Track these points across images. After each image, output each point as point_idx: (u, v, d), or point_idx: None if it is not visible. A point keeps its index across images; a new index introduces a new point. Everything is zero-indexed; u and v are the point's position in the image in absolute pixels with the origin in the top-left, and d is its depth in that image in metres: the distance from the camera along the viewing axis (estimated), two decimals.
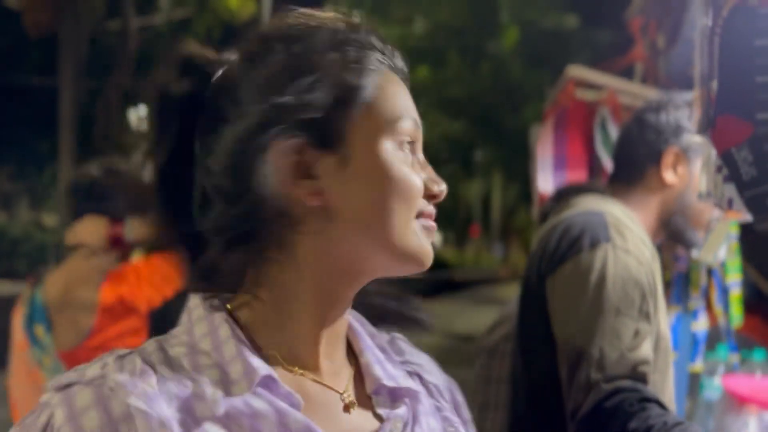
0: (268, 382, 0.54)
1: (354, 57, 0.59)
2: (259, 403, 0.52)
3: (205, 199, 0.57)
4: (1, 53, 12.46)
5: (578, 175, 2.32)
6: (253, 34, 0.61)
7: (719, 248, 2.10)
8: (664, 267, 2.09)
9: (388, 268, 0.60)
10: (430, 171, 0.63)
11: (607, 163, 2.17)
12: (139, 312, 1.55)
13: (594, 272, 1.07)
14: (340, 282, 0.59)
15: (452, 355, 8.80)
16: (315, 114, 0.56)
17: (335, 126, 0.57)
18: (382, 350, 0.66)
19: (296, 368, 0.57)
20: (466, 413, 0.73)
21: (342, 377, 0.61)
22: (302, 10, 0.62)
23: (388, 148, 0.59)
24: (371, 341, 0.65)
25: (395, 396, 0.62)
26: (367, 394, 0.62)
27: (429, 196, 0.61)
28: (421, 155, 0.63)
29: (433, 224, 0.63)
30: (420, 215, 0.61)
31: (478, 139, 22.00)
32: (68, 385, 0.51)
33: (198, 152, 0.58)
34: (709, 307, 2.21)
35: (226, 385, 0.53)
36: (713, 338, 2.35)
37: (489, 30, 15.20)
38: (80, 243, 1.58)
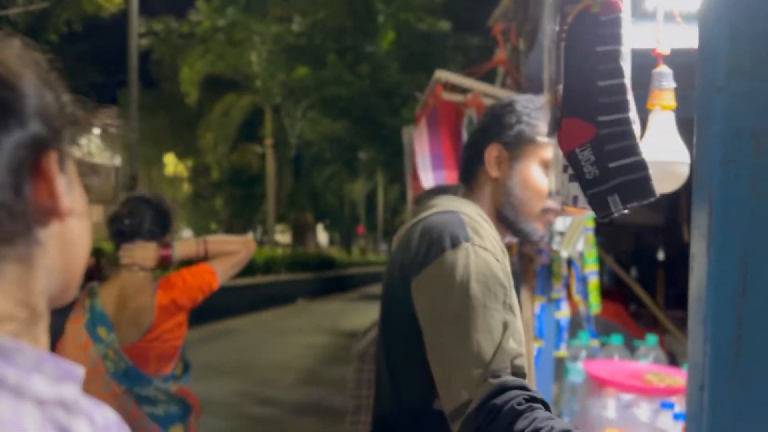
0: None
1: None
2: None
3: None
4: None
5: (454, 173, 2.38)
6: None
7: (577, 241, 2.24)
8: (529, 260, 2.21)
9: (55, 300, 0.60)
10: None
11: None
12: (185, 309, 2.02)
13: (458, 271, 1.09)
14: None
15: (341, 353, 8.84)
16: None
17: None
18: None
19: None
20: None
21: None
22: None
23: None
24: None
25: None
26: None
27: None
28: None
29: None
30: None
31: (361, 139, 22.20)
32: None
33: None
34: (569, 296, 2.36)
35: None
36: (575, 325, 2.51)
37: (366, 31, 15.32)
38: (135, 263, 1.98)
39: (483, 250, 1.13)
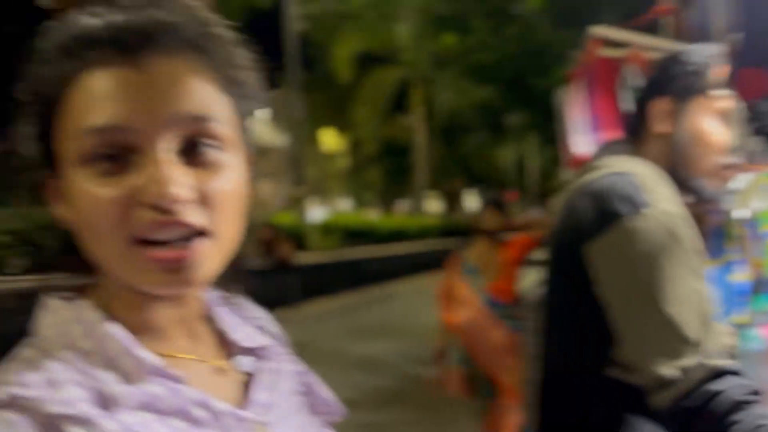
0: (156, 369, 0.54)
1: (50, 56, 0.53)
2: (156, 389, 0.53)
3: None
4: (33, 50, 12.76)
5: (612, 135, 2.31)
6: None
7: (752, 200, 2.10)
8: (699, 220, 2.10)
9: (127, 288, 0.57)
10: (154, 171, 0.49)
11: None
12: (521, 262, 2.53)
13: (645, 239, 1.01)
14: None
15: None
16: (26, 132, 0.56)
17: (47, 147, 0.54)
18: (230, 309, 0.67)
19: (158, 349, 0.57)
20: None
21: (203, 347, 0.62)
22: None
23: (73, 167, 0.51)
24: (223, 306, 0.67)
25: (254, 353, 0.65)
26: (229, 356, 0.64)
27: (152, 206, 0.49)
28: (157, 154, 0.50)
29: (159, 252, 0.50)
30: (142, 240, 0.50)
31: (509, 103, 21.69)
32: None
33: None
34: (750, 258, 2.21)
35: (123, 378, 0.52)
36: (754, 289, 2.35)
37: None
38: (485, 228, 3.31)
39: (665, 214, 1.04)
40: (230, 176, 0.53)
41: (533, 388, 1.25)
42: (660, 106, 1.23)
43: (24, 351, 0.53)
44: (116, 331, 0.54)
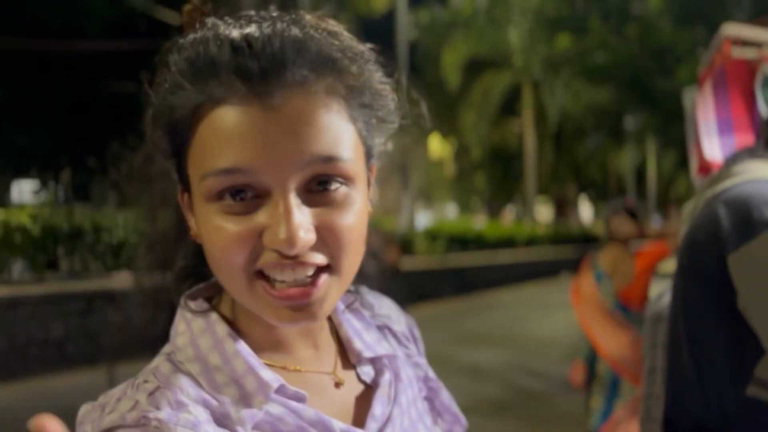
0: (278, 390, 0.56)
1: (165, 101, 0.53)
2: (276, 409, 0.55)
3: None
4: None
5: (746, 138, 2.17)
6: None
7: None
8: None
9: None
10: (278, 217, 0.49)
11: None
12: (652, 270, 2.85)
13: None
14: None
15: None
16: (163, 147, 0.56)
17: (180, 166, 0.55)
18: (356, 314, 0.68)
19: (282, 362, 0.59)
20: (422, 346, 0.75)
21: (327, 357, 0.62)
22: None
23: (206, 203, 0.52)
24: (346, 310, 0.67)
25: (376, 363, 0.64)
26: (351, 365, 0.64)
27: (276, 250, 0.50)
28: (282, 198, 0.50)
29: (275, 293, 0.51)
30: (265, 272, 0.51)
31: (628, 106, 20.75)
32: (111, 429, 0.50)
33: None
34: None
35: (245, 399, 0.54)
36: None
37: None
38: (617, 236, 3.40)
39: None
40: (353, 210, 0.52)
41: (653, 401, 1.20)
42: None
43: (159, 364, 0.56)
44: (242, 348, 0.56)
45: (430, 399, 0.70)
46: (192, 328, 0.57)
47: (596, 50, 15.79)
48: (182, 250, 0.63)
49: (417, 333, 0.75)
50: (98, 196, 16.48)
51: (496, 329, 9.19)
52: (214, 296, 0.61)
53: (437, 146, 28.38)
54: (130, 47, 12.36)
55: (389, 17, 11.53)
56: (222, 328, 0.57)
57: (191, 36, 0.54)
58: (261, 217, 0.50)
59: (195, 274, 0.64)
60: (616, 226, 3.43)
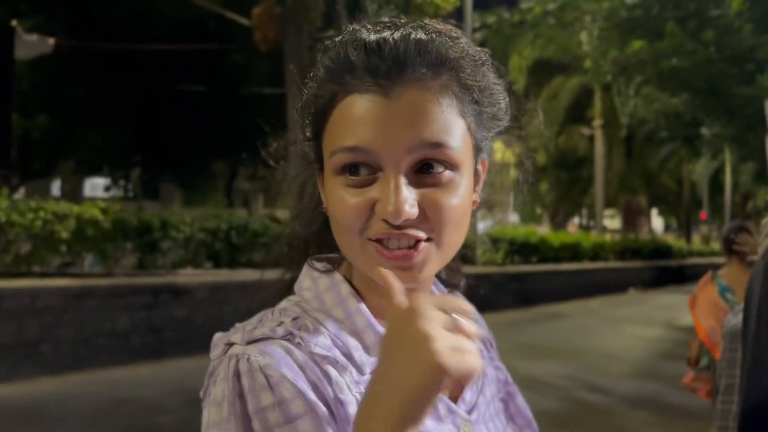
0: None
1: (314, 87, 0.65)
2: None
3: None
4: (236, 66, 14.12)
5: None
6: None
7: None
8: None
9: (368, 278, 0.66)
10: (389, 191, 0.59)
11: None
12: None
13: None
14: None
15: (677, 348, 8.14)
16: (308, 133, 0.67)
17: (316, 147, 0.66)
18: None
19: None
20: (496, 353, 0.83)
21: None
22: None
23: (333, 176, 0.62)
24: None
25: None
26: None
27: (384, 219, 0.60)
28: (393, 176, 0.59)
29: (386, 253, 0.60)
30: (376, 238, 0.60)
31: (704, 113, 19.87)
32: (261, 339, 0.60)
33: None
34: None
35: (365, 349, 0.64)
36: None
37: None
38: (740, 250, 3.59)
39: None
40: (456, 193, 0.60)
41: (730, 419, 1.20)
42: None
43: (289, 306, 0.67)
44: (363, 306, 0.66)
45: (506, 401, 0.77)
46: (318, 284, 0.67)
47: (671, 54, 15.19)
48: (314, 224, 0.73)
49: (493, 340, 0.84)
50: (166, 195, 17.09)
51: (557, 341, 8.94)
52: (335, 264, 0.70)
53: (500, 151, 27.97)
54: (200, 50, 12.73)
55: (457, 17, 11.52)
56: (345, 288, 0.67)
57: (336, 39, 0.64)
58: (374, 191, 0.59)
59: (319, 243, 0.73)
60: (742, 243, 3.77)
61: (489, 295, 11.88)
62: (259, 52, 11.60)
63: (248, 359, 0.58)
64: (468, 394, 0.69)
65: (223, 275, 8.07)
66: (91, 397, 5.42)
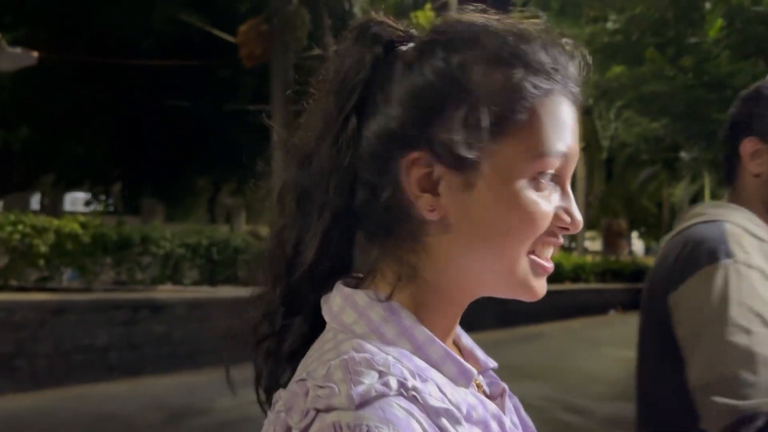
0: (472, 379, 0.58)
1: (511, 80, 0.56)
2: (470, 397, 0.56)
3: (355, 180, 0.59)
4: (222, 83, 14.13)
5: None
6: (425, 31, 0.60)
7: None
8: None
9: (496, 291, 0.60)
10: (569, 201, 0.59)
11: None
12: None
13: (715, 292, 1.01)
14: (455, 291, 0.60)
15: None
16: (455, 137, 0.55)
17: (485, 147, 0.56)
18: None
19: None
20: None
21: None
22: (474, 11, 0.60)
23: (522, 179, 0.56)
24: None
25: (490, 374, 0.67)
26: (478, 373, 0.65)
27: (560, 227, 0.58)
28: (567, 185, 0.59)
29: (545, 264, 0.59)
30: (539, 246, 0.59)
31: (683, 138, 20.22)
32: (378, 398, 0.49)
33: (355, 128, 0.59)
34: None
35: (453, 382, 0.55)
36: None
37: (690, 21, 13.92)
38: None
39: (747, 267, 1.02)
40: None
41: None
42: (749, 148, 1.17)
43: (357, 346, 0.54)
44: (434, 336, 0.56)
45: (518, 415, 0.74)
46: (370, 315, 0.56)
47: (651, 79, 15.48)
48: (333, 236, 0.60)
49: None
50: (148, 210, 16.96)
51: (537, 362, 8.97)
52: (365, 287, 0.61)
53: None
54: (185, 65, 12.73)
55: None
56: (408, 315, 0.57)
57: (546, 46, 0.59)
58: (555, 200, 0.57)
59: (330, 270, 0.61)
60: None
61: (470, 315, 11.84)
62: (244, 69, 11.65)
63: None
64: (510, 415, 0.64)
65: (203, 292, 8.01)
66: (67, 413, 5.33)
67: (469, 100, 0.55)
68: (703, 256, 1.06)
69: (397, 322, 0.56)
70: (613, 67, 16.04)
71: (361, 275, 0.62)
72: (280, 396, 0.55)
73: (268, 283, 0.63)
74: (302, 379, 0.52)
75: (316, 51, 13.13)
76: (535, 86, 0.56)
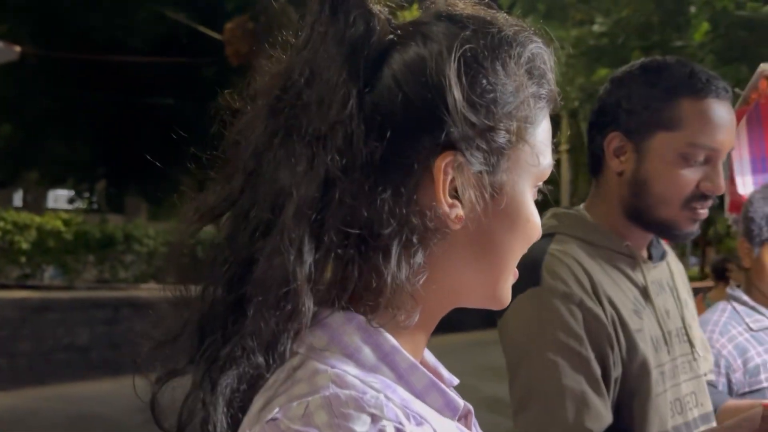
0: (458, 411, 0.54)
1: (539, 85, 0.55)
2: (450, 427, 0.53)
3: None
4: (208, 81, 14.07)
5: None
6: (449, 21, 0.53)
7: None
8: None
9: (476, 302, 0.58)
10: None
11: None
12: None
13: (522, 324, 0.99)
14: (443, 303, 0.56)
15: None
16: (498, 140, 0.52)
17: (502, 157, 0.52)
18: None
19: None
20: None
21: None
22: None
23: (527, 189, 0.55)
24: None
25: (454, 392, 0.60)
26: None
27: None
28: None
29: (516, 272, 0.58)
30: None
31: None
32: None
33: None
34: None
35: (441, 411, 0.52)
36: None
37: (676, 25, 14.09)
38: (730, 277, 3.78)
39: (553, 295, 0.96)
40: None
41: None
42: (613, 143, 1.06)
43: (347, 376, 0.48)
44: (417, 363, 0.51)
45: None
46: (343, 340, 0.50)
47: None
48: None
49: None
50: (131, 208, 16.84)
51: None
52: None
53: None
54: (171, 63, 12.67)
55: None
56: (387, 338, 0.50)
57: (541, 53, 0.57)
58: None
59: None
60: (732, 269, 4.40)
61: (455, 316, 11.91)
62: (230, 67, 11.60)
63: None
64: None
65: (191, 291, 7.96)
66: (48, 412, 5.28)
67: (506, 110, 0.52)
68: (519, 282, 0.96)
69: (376, 346, 0.50)
70: (599, 69, 16.18)
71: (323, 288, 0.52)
72: None
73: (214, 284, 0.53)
74: (273, 419, 0.45)
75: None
76: (545, 99, 0.57)
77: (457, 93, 0.49)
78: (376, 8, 0.52)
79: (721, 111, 1.02)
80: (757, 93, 2.16)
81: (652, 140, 1.02)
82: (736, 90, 2.78)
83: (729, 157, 2.53)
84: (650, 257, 1.12)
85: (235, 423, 0.49)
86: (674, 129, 1.01)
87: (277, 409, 0.45)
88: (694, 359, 1.10)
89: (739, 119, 2.41)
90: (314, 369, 0.48)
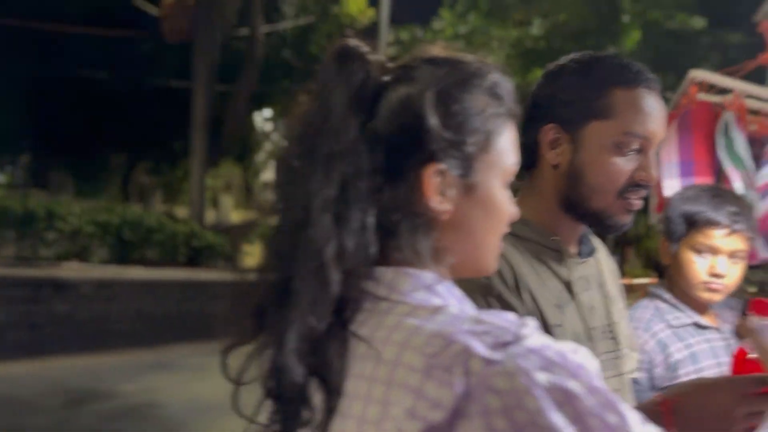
0: None
1: (499, 105, 0.71)
2: None
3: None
4: (143, 58, 13.58)
5: (706, 181, 2.23)
6: (426, 56, 0.71)
7: None
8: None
9: (469, 271, 0.74)
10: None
11: (730, 170, 2.06)
12: None
13: None
14: (447, 273, 0.71)
15: None
16: (468, 150, 0.68)
17: (473, 162, 0.69)
18: None
19: None
20: None
21: None
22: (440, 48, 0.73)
23: (498, 183, 0.71)
24: None
25: None
26: None
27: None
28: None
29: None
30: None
31: None
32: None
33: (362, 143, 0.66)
34: None
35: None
36: None
37: (610, 32, 14.61)
38: None
39: (473, 287, 0.88)
40: None
41: None
42: (548, 135, 1.05)
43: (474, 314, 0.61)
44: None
45: None
46: (438, 290, 0.66)
47: None
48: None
49: None
50: (57, 184, 16.11)
51: None
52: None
53: None
54: (106, 36, 12.16)
55: (373, 31, 11.68)
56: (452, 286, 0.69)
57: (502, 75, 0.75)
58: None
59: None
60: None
61: None
62: (167, 44, 11.23)
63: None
64: None
65: (112, 271, 7.71)
66: None
67: (478, 122, 0.69)
68: None
69: (455, 295, 0.68)
70: (534, 70, 16.54)
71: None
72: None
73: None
74: (491, 361, 0.54)
75: (245, 32, 12.84)
76: (503, 111, 0.73)
77: (434, 120, 0.65)
78: (374, 57, 0.68)
79: (652, 101, 1.03)
80: (687, 98, 2.26)
81: (586, 129, 1.02)
82: (666, 95, 2.91)
83: (658, 159, 2.65)
84: (580, 254, 1.11)
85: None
86: (607, 118, 1.01)
87: (416, 347, 0.57)
88: (619, 357, 1.10)
89: (668, 123, 2.53)
90: (426, 315, 0.61)
